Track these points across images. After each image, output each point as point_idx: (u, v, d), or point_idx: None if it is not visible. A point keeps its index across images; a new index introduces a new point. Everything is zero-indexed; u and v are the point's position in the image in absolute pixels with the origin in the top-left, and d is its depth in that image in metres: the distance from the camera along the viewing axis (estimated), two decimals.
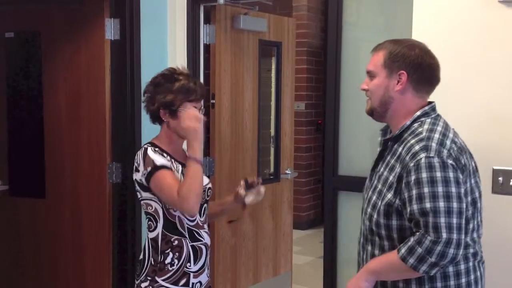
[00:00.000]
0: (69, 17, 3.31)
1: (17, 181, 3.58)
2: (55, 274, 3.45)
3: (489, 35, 2.45)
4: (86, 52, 3.26)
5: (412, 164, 1.76)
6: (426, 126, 1.84)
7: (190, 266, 2.27)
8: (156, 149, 2.25)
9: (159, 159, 2.20)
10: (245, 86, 3.85)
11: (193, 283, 2.28)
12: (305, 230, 7.03)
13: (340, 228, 3.13)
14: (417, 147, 1.78)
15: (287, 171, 4.25)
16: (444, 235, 1.69)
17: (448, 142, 1.80)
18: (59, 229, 3.42)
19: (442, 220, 1.69)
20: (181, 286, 2.26)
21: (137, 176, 2.24)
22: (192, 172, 2.15)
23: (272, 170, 4.29)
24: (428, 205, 1.71)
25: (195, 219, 2.30)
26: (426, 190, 1.72)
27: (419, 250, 1.71)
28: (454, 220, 1.70)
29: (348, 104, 3.09)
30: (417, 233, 1.74)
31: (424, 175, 1.73)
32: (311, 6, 7.05)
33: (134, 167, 2.24)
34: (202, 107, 2.36)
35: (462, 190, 1.75)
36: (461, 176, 1.76)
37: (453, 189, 1.72)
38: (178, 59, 3.36)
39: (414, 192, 1.75)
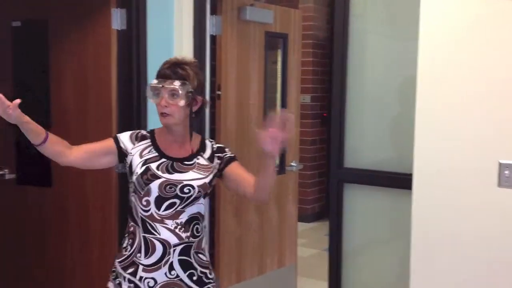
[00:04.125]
0: (77, 7, 3.31)
1: (24, 169, 3.59)
2: (62, 262, 3.46)
3: (500, 27, 2.43)
4: (93, 41, 3.26)
5: None
6: None
7: (140, 257, 2.14)
8: (140, 134, 2.23)
9: (126, 142, 2.20)
10: (251, 78, 3.85)
11: (141, 277, 2.13)
12: (310, 223, 7.04)
13: (345, 220, 3.13)
14: None
15: (292, 164, 4.25)
16: None
17: None
18: (66, 217, 3.43)
19: None
20: (128, 274, 2.15)
21: None
22: None
23: (277, 162, 4.29)
24: None
25: (150, 210, 2.13)
26: None
27: None
28: None
29: (354, 96, 3.08)
30: None
31: None
32: None
33: None
34: (179, 91, 2.09)
35: None
36: None
37: None
38: (185, 50, 3.35)
39: None
